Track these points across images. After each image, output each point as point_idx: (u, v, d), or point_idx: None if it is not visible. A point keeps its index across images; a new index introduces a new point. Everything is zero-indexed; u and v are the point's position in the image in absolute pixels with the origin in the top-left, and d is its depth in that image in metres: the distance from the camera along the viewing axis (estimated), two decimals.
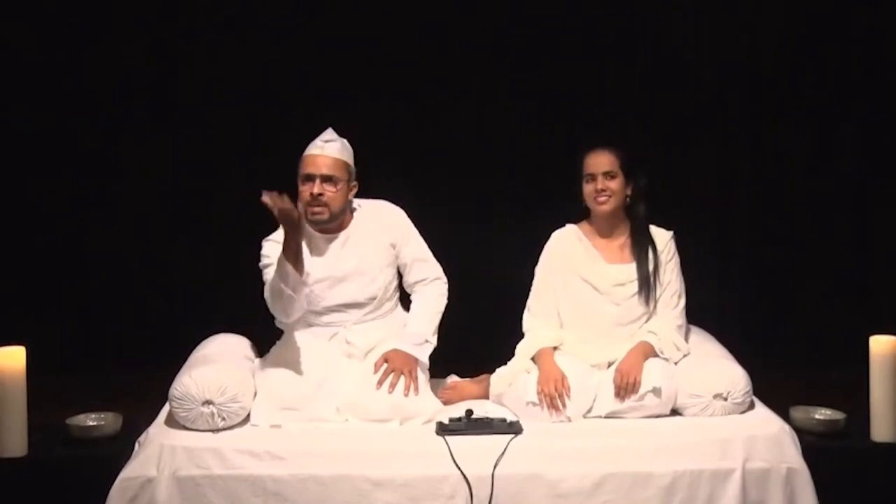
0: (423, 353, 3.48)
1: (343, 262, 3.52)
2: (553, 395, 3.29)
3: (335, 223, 3.51)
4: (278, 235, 3.41)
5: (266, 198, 3.12)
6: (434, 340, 3.55)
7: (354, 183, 3.55)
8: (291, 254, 3.23)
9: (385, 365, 3.36)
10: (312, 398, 3.27)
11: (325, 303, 3.51)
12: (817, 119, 5.27)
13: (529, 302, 3.62)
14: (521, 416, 3.29)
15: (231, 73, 5.16)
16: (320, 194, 3.41)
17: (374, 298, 3.55)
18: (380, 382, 3.31)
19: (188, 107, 5.18)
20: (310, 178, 3.42)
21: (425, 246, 3.68)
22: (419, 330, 3.54)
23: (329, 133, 3.51)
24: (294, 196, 3.33)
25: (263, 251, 3.50)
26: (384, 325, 3.58)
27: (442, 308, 3.63)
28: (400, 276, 3.68)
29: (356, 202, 3.62)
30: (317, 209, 3.42)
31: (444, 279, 3.68)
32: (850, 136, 5.27)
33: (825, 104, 5.25)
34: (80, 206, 5.22)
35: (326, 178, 3.41)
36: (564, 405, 3.29)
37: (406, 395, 3.29)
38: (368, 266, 3.55)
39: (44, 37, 5.12)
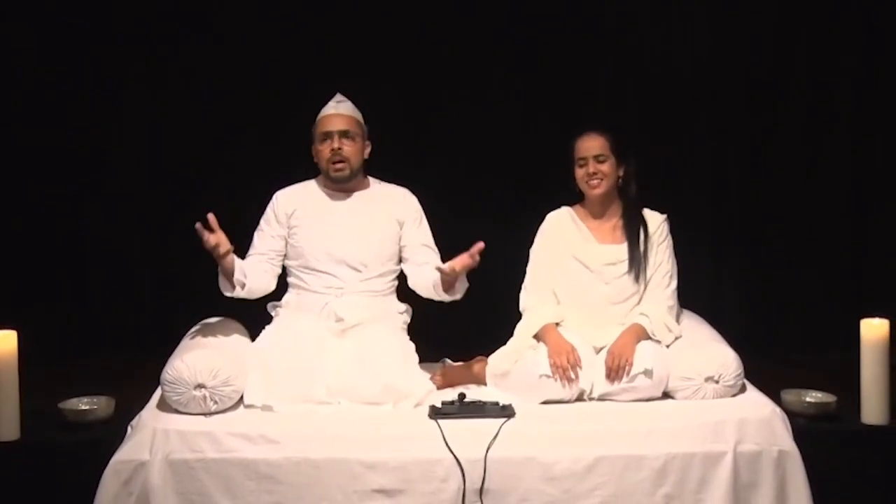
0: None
1: (345, 221, 3.62)
2: (566, 367, 3.30)
3: (352, 181, 3.65)
4: (291, 189, 3.69)
5: (199, 227, 3.30)
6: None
7: (368, 142, 3.70)
8: (224, 273, 3.45)
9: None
10: (303, 378, 3.28)
11: (319, 257, 3.59)
12: (812, 109, 5.26)
13: (526, 282, 3.64)
14: (532, 391, 3.30)
15: (228, 69, 5.11)
16: (340, 148, 3.57)
17: (366, 266, 3.59)
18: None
19: (185, 95, 5.15)
20: (328, 136, 3.59)
21: (432, 237, 3.74)
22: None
23: (339, 96, 3.68)
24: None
25: (266, 212, 3.69)
26: (374, 303, 3.60)
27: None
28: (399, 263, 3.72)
29: (375, 180, 3.74)
30: (338, 164, 3.59)
31: None
32: (845, 126, 5.27)
33: (821, 95, 5.24)
34: (75, 192, 5.19)
35: (343, 134, 3.59)
36: (577, 376, 3.30)
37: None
38: (369, 231, 3.62)
39: (43, 31, 5.10)
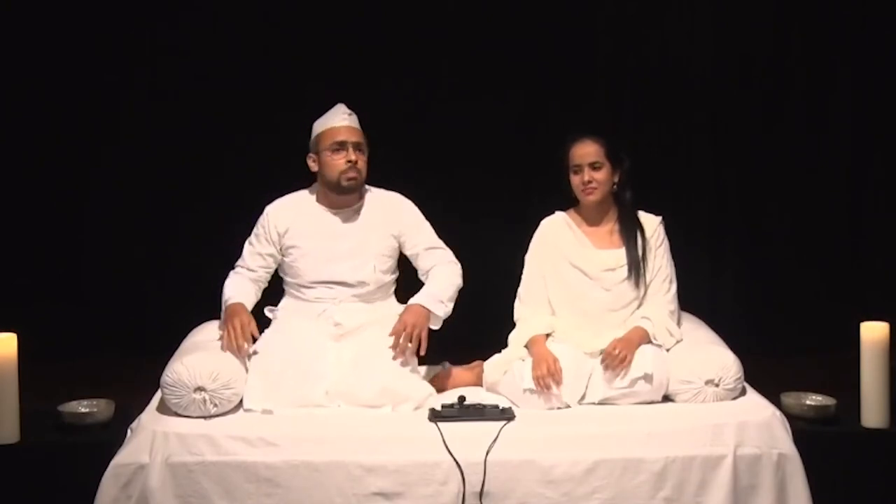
0: (438, 309, 3.49)
1: (339, 240, 3.59)
2: (546, 377, 3.28)
3: (353, 195, 3.61)
4: (283, 203, 3.65)
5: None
6: (450, 307, 3.54)
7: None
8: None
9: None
10: (302, 382, 3.28)
11: (315, 276, 3.57)
12: (810, 106, 5.27)
13: (520, 291, 3.62)
14: (518, 404, 3.29)
15: (224, 69, 5.14)
16: (356, 161, 3.54)
17: (363, 283, 3.57)
18: (395, 334, 3.37)
19: (181, 97, 5.16)
20: (343, 147, 3.55)
21: (435, 236, 3.71)
22: (436, 290, 3.54)
23: (344, 107, 3.64)
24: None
25: (257, 226, 3.64)
26: (373, 308, 3.59)
27: (459, 282, 3.63)
28: (413, 268, 3.70)
29: (369, 188, 3.70)
30: (352, 175, 3.55)
31: (458, 264, 3.69)
32: (843, 124, 5.28)
33: (818, 92, 5.25)
34: (73, 192, 5.20)
35: (357, 146, 3.56)
36: (558, 385, 3.29)
37: (414, 348, 3.36)
38: (363, 249, 3.59)
39: (43, 31, 5.11)
